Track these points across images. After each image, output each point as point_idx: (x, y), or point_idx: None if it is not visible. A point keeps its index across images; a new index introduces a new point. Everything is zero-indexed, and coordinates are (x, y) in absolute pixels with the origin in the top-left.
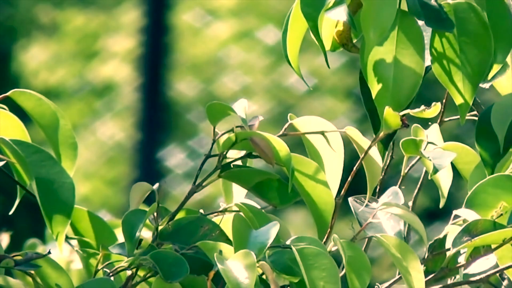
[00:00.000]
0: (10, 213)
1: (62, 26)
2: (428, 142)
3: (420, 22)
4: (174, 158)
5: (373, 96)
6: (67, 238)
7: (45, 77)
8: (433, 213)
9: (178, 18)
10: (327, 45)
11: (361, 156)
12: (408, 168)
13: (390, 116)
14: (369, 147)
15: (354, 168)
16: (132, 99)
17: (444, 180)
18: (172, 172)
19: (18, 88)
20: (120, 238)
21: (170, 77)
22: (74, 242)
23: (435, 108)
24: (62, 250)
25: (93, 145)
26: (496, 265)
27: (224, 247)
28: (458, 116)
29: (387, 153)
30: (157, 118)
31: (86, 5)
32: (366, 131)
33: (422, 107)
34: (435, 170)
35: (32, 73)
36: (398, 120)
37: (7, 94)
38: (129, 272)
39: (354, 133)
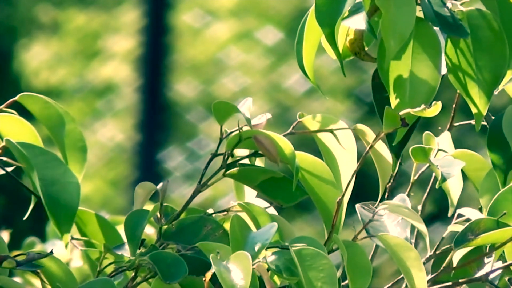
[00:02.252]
0: (24, 218)
1: (62, 26)
2: (439, 150)
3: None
4: (173, 160)
5: (392, 102)
6: (73, 238)
7: (46, 76)
8: (433, 214)
9: (178, 18)
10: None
11: (364, 154)
12: (418, 175)
13: (389, 115)
14: (371, 146)
15: (358, 164)
16: (132, 100)
17: (454, 188)
18: (171, 174)
19: (18, 88)
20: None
21: (170, 78)
22: (77, 243)
23: (436, 107)
24: (68, 250)
25: (93, 146)
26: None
27: (223, 248)
28: (468, 122)
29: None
30: (157, 119)
31: (87, 5)
32: None
33: (423, 106)
34: (443, 179)
35: (32, 73)
36: (397, 119)
37: (15, 98)
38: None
39: (363, 130)
